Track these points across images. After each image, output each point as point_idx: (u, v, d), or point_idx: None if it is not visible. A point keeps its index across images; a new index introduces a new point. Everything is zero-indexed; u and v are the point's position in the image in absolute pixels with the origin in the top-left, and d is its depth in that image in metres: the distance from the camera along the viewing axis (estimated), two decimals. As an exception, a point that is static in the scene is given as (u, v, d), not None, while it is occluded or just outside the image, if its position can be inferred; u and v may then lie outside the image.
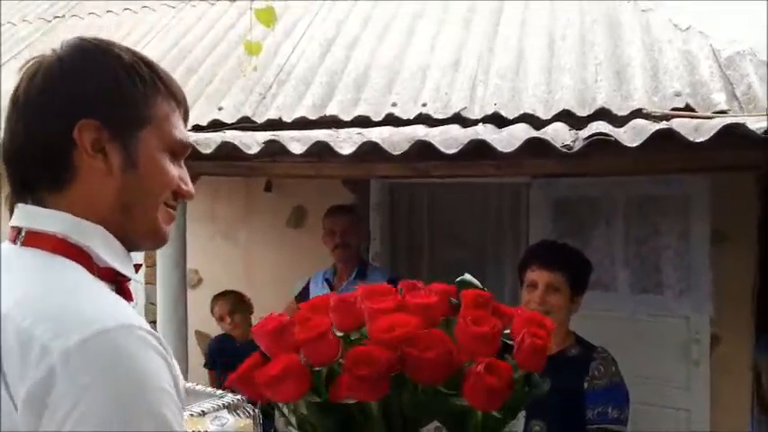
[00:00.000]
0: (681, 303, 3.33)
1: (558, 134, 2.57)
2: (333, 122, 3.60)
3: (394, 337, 0.89)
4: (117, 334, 0.78)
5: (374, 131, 2.95)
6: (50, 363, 0.75)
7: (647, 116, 3.16)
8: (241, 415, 1.41)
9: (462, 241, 4.07)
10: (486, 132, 2.76)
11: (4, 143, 0.93)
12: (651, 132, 2.13)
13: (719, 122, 2.11)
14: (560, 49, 3.87)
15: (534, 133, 2.36)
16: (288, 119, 3.66)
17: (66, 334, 0.77)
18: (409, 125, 3.42)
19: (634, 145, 2.15)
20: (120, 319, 0.80)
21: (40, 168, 0.90)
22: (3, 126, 0.92)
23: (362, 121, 3.56)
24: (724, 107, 3.20)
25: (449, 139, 2.43)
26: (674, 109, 3.27)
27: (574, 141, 2.30)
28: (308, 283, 3.58)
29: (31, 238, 0.89)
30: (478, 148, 2.33)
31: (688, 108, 3.27)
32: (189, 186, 0.99)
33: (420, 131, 2.97)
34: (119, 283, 0.92)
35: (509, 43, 4.01)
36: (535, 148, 2.30)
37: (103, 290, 0.88)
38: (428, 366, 0.88)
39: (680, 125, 2.36)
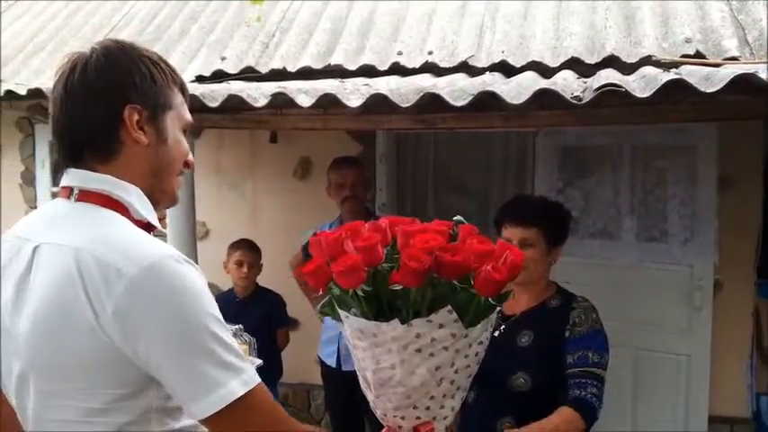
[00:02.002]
0: (685, 251, 3.36)
1: (567, 83, 2.55)
2: (338, 72, 3.56)
3: (433, 246, 1.24)
4: (167, 260, 1.06)
5: (381, 82, 2.93)
6: (125, 282, 1.02)
7: (657, 63, 3.12)
8: (239, 341, 1.52)
9: (467, 190, 4.08)
10: (494, 83, 2.73)
11: (59, 122, 1.16)
12: (662, 83, 2.11)
13: (731, 72, 2.09)
14: (569, -6, 3.79)
15: (543, 83, 2.34)
16: (292, 68, 3.61)
17: (132, 262, 1.04)
18: (415, 74, 3.39)
19: (644, 96, 2.13)
20: (166, 251, 1.08)
21: (94, 142, 1.15)
22: (56, 111, 1.16)
23: (368, 71, 3.53)
24: (735, 53, 3.15)
25: (457, 90, 2.41)
26: (683, 56, 3.23)
27: (583, 92, 2.28)
28: (314, 235, 3.60)
29: (83, 195, 1.14)
30: (487, 100, 2.31)
31: (698, 55, 3.22)
32: (192, 157, 1.28)
33: (427, 82, 2.94)
34: (147, 231, 1.17)
35: (516, -13, 3.93)
36: (544, 98, 2.28)
37: (144, 232, 1.14)
38: (454, 267, 1.24)
39: (690, 74, 2.33)
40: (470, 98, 2.32)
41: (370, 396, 1.46)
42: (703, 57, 3.19)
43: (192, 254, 3.04)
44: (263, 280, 3.70)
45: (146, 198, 1.18)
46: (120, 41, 1.19)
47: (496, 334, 2.18)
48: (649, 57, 3.21)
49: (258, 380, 1.11)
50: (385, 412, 1.44)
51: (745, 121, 3.27)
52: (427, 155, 4.14)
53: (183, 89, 1.24)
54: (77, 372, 1.06)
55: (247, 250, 3.61)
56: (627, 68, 3.01)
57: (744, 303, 3.50)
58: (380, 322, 1.31)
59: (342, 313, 1.36)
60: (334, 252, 1.30)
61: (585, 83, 2.58)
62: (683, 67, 2.85)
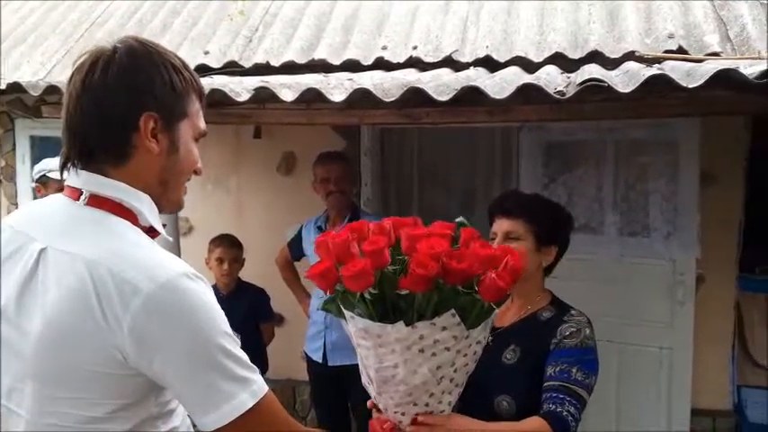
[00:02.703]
0: (668, 246, 3.38)
1: (551, 78, 2.55)
2: (321, 66, 3.55)
3: (439, 252, 1.28)
4: (182, 278, 1.08)
5: (365, 76, 2.91)
6: (142, 299, 1.04)
7: (640, 59, 3.13)
8: None
9: (452, 186, 4.08)
10: (478, 77, 2.72)
11: (73, 117, 1.14)
12: (645, 78, 2.11)
13: (713, 68, 2.10)
14: (553, -10, 3.80)
15: (527, 78, 2.34)
16: (276, 63, 3.59)
17: (149, 279, 1.05)
18: (400, 69, 3.38)
19: (627, 90, 2.14)
20: (180, 268, 1.09)
21: (107, 144, 1.14)
22: (71, 104, 1.13)
23: (352, 66, 3.51)
24: (717, 49, 3.17)
25: (441, 85, 2.40)
26: (666, 51, 3.24)
27: (566, 87, 2.29)
28: (300, 231, 3.59)
29: (95, 200, 1.14)
30: (471, 95, 2.31)
31: (681, 50, 3.24)
32: (200, 165, 1.27)
33: (411, 76, 2.93)
34: (152, 236, 1.18)
35: (500, -17, 3.93)
36: (528, 93, 2.28)
37: (155, 244, 1.15)
38: (460, 274, 1.30)
39: (672, 69, 2.34)
40: (454, 93, 2.32)
41: (372, 392, 1.54)
42: (686, 52, 3.21)
43: (176, 250, 3.01)
44: (247, 275, 3.68)
45: (153, 204, 1.19)
46: (145, 42, 1.17)
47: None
48: (632, 52, 3.22)
49: (266, 388, 1.15)
50: (386, 407, 1.53)
51: (727, 117, 3.31)
52: (412, 150, 4.13)
53: (201, 96, 1.24)
54: (83, 382, 1.09)
55: (228, 247, 3.59)
56: (610, 64, 3.02)
57: (725, 297, 3.53)
58: (385, 324, 1.35)
59: (347, 313, 1.40)
60: (341, 254, 1.34)
61: (569, 78, 2.59)
62: (665, 62, 2.86)
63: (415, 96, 2.36)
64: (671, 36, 3.31)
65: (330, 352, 3.30)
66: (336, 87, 2.49)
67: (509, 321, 2.00)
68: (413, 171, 4.13)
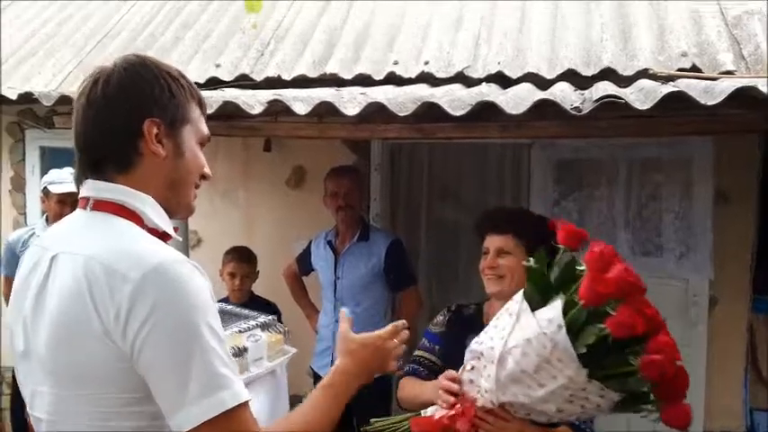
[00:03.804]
0: (681, 266, 3.34)
1: (565, 95, 2.53)
2: (333, 81, 3.54)
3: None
4: (172, 265, 1.07)
5: (377, 91, 2.90)
6: (130, 287, 1.04)
7: (653, 77, 3.12)
8: (273, 332, 1.54)
9: (461, 201, 4.05)
10: (491, 93, 2.71)
11: (81, 133, 1.19)
12: (662, 95, 2.09)
13: (731, 85, 2.08)
14: (564, 8, 3.80)
15: (542, 95, 2.32)
16: (287, 77, 3.59)
17: (138, 266, 1.05)
18: (411, 84, 3.38)
19: (644, 107, 2.12)
20: (172, 255, 1.10)
21: (114, 153, 1.18)
22: (78, 122, 1.19)
23: (363, 80, 3.51)
24: (731, 68, 3.16)
25: (455, 100, 2.39)
26: (679, 69, 3.23)
27: (582, 103, 2.26)
28: (309, 246, 3.57)
29: (98, 205, 1.17)
30: (485, 110, 2.29)
31: (694, 68, 3.22)
32: (209, 170, 1.29)
33: (423, 91, 2.92)
34: (162, 240, 1.19)
35: (511, 2, 3.93)
36: (543, 109, 2.26)
37: (155, 238, 1.16)
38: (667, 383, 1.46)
39: (689, 87, 2.32)
40: (469, 108, 2.30)
41: (475, 363, 1.64)
42: (699, 71, 3.20)
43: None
44: (255, 289, 3.66)
45: (160, 207, 1.20)
46: (141, 56, 1.22)
47: None
48: (646, 70, 3.21)
49: (248, 396, 1.10)
50: (486, 391, 1.61)
51: (741, 135, 3.28)
52: (422, 166, 4.11)
53: (200, 103, 1.27)
54: (90, 379, 1.08)
55: (239, 262, 3.56)
56: (623, 81, 3.00)
57: (739, 319, 3.49)
58: (576, 359, 1.43)
59: (558, 319, 1.45)
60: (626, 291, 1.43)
61: (583, 95, 2.57)
62: (679, 80, 2.84)
63: (429, 111, 2.35)
64: (684, 54, 3.29)
65: (338, 368, 3.26)
66: (350, 101, 2.48)
67: None
68: (423, 186, 4.11)
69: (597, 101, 2.17)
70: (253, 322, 1.55)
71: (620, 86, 2.73)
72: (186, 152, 1.22)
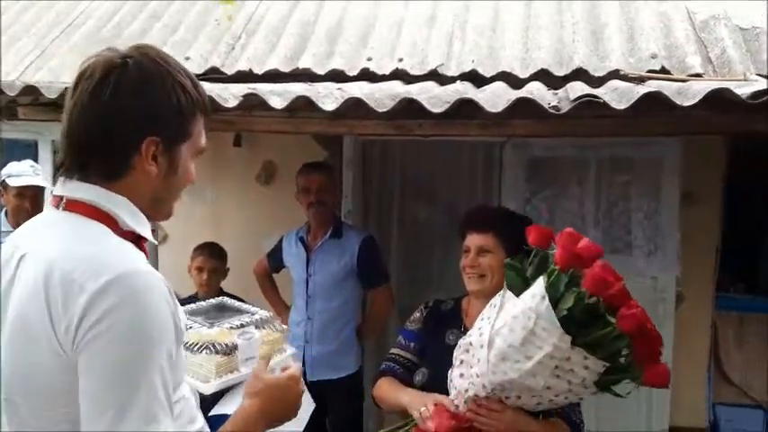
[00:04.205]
0: (649, 264, 3.40)
1: (541, 94, 2.55)
2: (306, 76, 3.50)
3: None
4: (134, 276, 1.02)
5: (353, 86, 2.88)
6: (85, 298, 0.99)
7: (625, 78, 3.16)
8: (270, 330, 1.50)
9: (433, 198, 4.06)
10: (466, 92, 2.71)
11: (74, 126, 1.12)
12: (639, 95, 2.12)
13: (706, 86, 2.12)
14: (537, 8, 3.83)
15: (521, 93, 2.33)
16: (259, 71, 3.53)
17: (96, 276, 1.00)
18: (385, 81, 3.36)
19: (621, 107, 2.14)
20: (134, 266, 1.05)
21: (104, 159, 1.12)
22: (75, 113, 1.11)
23: (337, 76, 3.47)
24: (699, 70, 3.22)
25: (433, 97, 2.38)
26: (649, 71, 3.28)
27: (559, 102, 2.28)
28: (280, 242, 3.52)
29: (71, 205, 1.12)
30: (463, 107, 2.29)
31: (664, 70, 3.28)
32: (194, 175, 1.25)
33: (400, 88, 2.90)
34: (138, 243, 1.15)
35: (485, 0, 3.95)
36: (521, 108, 2.27)
37: (124, 244, 1.11)
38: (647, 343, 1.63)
39: (661, 88, 2.36)
40: (447, 106, 2.30)
41: (464, 356, 1.73)
42: (668, 72, 3.25)
43: (152, 259, 2.92)
44: (225, 286, 3.59)
45: (136, 209, 1.15)
46: (156, 59, 1.15)
47: None
48: (617, 71, 3.25)
49: None
50: (471, 377, 1.71)
51: (706, 136, 3.36)
52: (394, 162, 4.10)
53: (206, 109, 1.22)
54: (37, 389, 1.04)
55: (208, 257, 3.50)
56: (595, 82, 3.03)
57: (703, 316, 3.57)
58: (560, 328, 1.51)
59: (541, 291, 1.55)
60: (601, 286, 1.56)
61: (557, 94, 2.59)
62: (649, 81, 2.89)
63: (407, 108, 2.33)
64: (654, 56, 3.35)
65: (310, 367, 3.23)
66: (326, 96, 2.45)
67: None
68: (395, 183, 4.10)
69: (575, 100, 2.19)
70: (247, 318, 1.51)
71: (592, 87, 2.77)
72: (179, 169, 1.18)
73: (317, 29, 3.84)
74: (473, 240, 2.12)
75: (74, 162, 1.12)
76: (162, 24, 3.95)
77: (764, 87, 2.06)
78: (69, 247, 1.06)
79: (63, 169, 1.14)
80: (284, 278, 3.65)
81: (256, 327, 1.47)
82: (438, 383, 2.09)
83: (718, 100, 2.14)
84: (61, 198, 1.13)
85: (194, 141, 1.20)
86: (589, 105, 2.24)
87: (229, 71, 3.54)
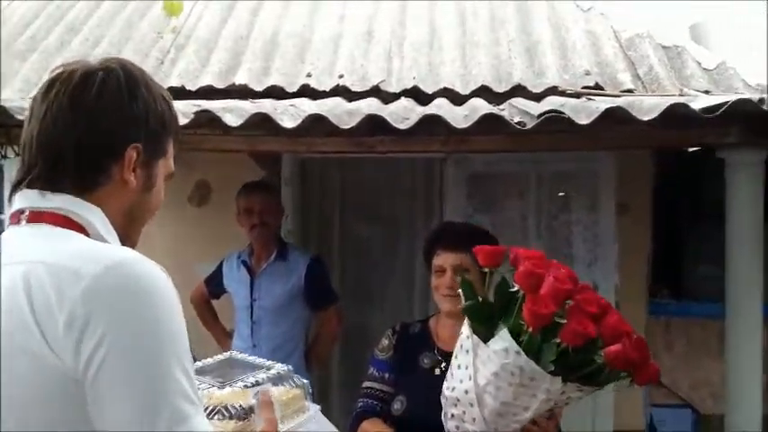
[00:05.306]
0: (591, 274, 3.50)
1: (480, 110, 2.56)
2: (243, 92, 3.37)
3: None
4: (136, 263, 0.92)
5: (303, 103, 2.79)
6: (84, 284, 0.87)
7: (562, 93, 3.26)
8: (288, 386, 1.34)
9: (374, 216, 4.01)
10: (411, 108, 2.68)
11: (46, 135, 1.00)
12: (600, 111, 2.17)
13: (660, 102, 2.20)
14: (472, 25, 3.88)
15: (487, 109, 2.33)
16: (192, 87, 3.38)
17: (94, 262, 0.89)
18: (326, 97, 3.29)
19: (584, 123, 2.18)
20: (134, 253, 0.95)
21: (82, 169, 1.01)
22: (50, 118, 1.00)
23: (276, 92, 3.37)
24: (630, 86, 3.36)
25: (393, 113, 2.34)
26: (584, 87, 3.40)
27: (522, 118, 2.30)
28: (220, 267, 3.35)
29: (35, 216, 0.99)
30: (429, 124, 2.26)
31: (597, 86, 3.41)
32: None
33: (347, 105, 2.84)
34: None
35: (420, 17, 3.97)
36: (486, 124, 2.27)
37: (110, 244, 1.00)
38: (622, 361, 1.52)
39: (616, 103, 2.43)
40: (412, 123, 2.26)
41: (454, 410, 1.65)
42: (602, 88, 3.38)
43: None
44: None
45: (108, 222, 1.03)
46: (141, 69, 1.10)
47: (438, 372, 2.07)
48: (555, 87, 3.34)
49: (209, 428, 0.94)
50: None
51: (638, 149, 3.51)
52: (334, 180, 4.03)
53: (177, 134, 1.15)
54: (28, 407, 0.88)
55: None
56: (534, 98, 3.10)
57: (638, 321, 3.70)
58: (546, 373, 1.47)
59: (513, 346, 1.49)
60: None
61: (503, 110, 2.62)
62: (584, 97, 2.99)
63: (373, 124, 2.28)
64: (588, 73, 3.47)
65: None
66: (283, 113, 2.36)
67: None
68: (335, 201, 4.03)
69: (540, 116, 2.21)
70: (263, 375, 1.35)
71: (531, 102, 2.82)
72: (155, 187, 1.10)
73: (250, 43, 3.72)
74: (447, 260, 2.06)
75: (43, 171, 1.00)
76: (81, 38, 3.70)
77: (716, 102, 2.16)
78: (52, 246, 0.94)
79: (27, 180, 1.01)
80: (220, 304, 3.49)
81: (273, 383, 1.32)
82: (417, 410, 2.02)
83: (673, 114, 2.22)
84: (22, 212, 0.99)
85: (168, 160, 1.12)
86: (550, 121, 2.27)
87: (160, 87, 3.36)
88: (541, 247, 3.59)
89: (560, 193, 3.55)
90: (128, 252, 0.95)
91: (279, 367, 1.40)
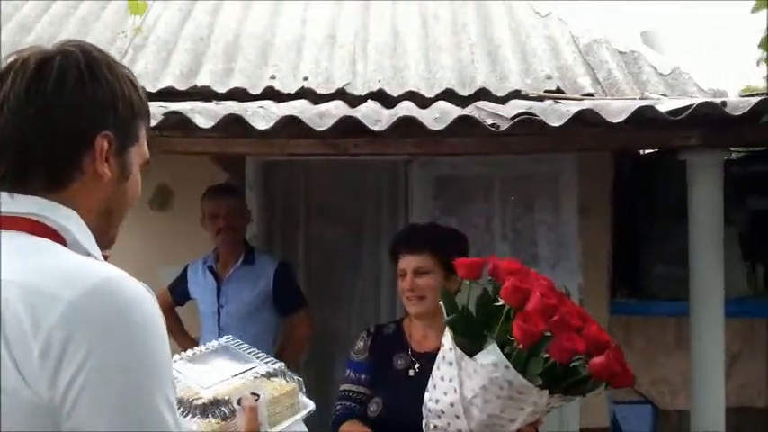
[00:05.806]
0: (555, 274, 3.54)
1: (447, 113, 2.58)
2: (205, 94, 3.31)
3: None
4: (119, 281, 0.84)
5: (271, 105, 2.76)
6: (61, 308, 0.79)
7: (525, 97, 3.31)
8: (281, 381, 1.30)
9: (339, 219, 3.99)
10: (377, 111, 2.68)
11: (9, 129, 0.92)
12: (572, 114, 2.21)
13: (633, 104, 2.26)
14: (434, 29, 3.91)
15: (460, 111, 2.35)
16: (152, 89, 3.30)
17: (73, 284, 0.81)
18: (291, 100, 3.26)
19: (556, 125, 2.22)
20: (117, 271, 0.86)
21: (49, 164, 0.93)
22: (7, 112, 0.91)
23: (239, 94, 3.32)
24: (590, 90, 3.45)
25: (367, 116, 2.34)
26: (546, 91, 3.47)
27: (494, 120, 2.32)
28: (184, 272, 3.27)
29: (7, 222, 0.90)
30: (404, 126, 2.26)
31: (559, 90, 3.48)
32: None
33: (308, 107, 2.81)
34: None
35: (382, 18, 3.98)
36: (460, 126, 2.28)
37: (89, 258, 0.92)
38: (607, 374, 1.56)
39: (583, 106, 2.48)
40: (387, 125, 2.26)
41: (437, 422, 1.65)
42: (563, 92, 3.45)
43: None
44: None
45: (86, 227, 0.95)
46: (101, 49, 1.00)
47: (411, 373, 2.08)
48: (518, 91, 3.40)
49: None
50: None
51: (598, 151, 3.59)
52: (298, 183, 3.99)
53: (148, 117, 1.07)
54: None
55: None
56: (498, 101, 3.14)
57: (600, 321, 3.75)
58: (534, 386, 1.48)
59: (503, 360, 1.49)
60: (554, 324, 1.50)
61: (471, 112, 2.65)
62: (546, 101, 3.04)
63: (347, 126, 2.27)
64: (549, 77, 3.54)
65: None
66: (255, 115, 2.32)
67: (433, 346, 1.93)
68: (299, 205, 3.99)
69: (514, 118, 2.23)
70: (253, 371, 1.30)
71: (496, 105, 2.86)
72: (131, 176, 1.02)
73: (212, 44, 3.66)
74: (408, 262, 2.06)
75: (9, 171, 0.92)
76: (34, 37, 3.56)
77: (682, 105, 2.22)
78: (25, 263, 0.85)
79: None
80: (184, 311, 3.41)
81: (273, 376, 1.28)
82: (393, 412, 2.02)
83: (641, 117, 2.27)
84: None
85: (141, 147, 1.04)
86: (522, 123, 2.30)
87: (119, 89, 3.27)
88: (507, 247, 3.64)
89: (512, 198, 3.60)
90: (109, 271, 0.87)
91: (269, 364, 1.37)
